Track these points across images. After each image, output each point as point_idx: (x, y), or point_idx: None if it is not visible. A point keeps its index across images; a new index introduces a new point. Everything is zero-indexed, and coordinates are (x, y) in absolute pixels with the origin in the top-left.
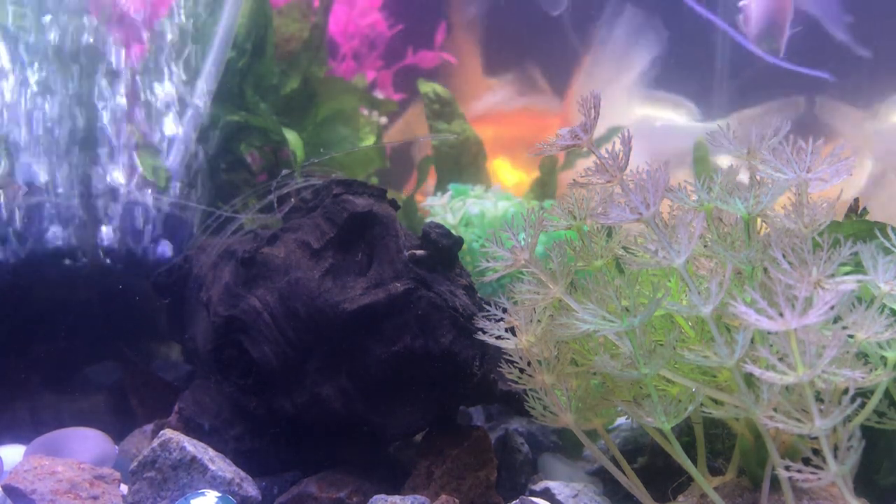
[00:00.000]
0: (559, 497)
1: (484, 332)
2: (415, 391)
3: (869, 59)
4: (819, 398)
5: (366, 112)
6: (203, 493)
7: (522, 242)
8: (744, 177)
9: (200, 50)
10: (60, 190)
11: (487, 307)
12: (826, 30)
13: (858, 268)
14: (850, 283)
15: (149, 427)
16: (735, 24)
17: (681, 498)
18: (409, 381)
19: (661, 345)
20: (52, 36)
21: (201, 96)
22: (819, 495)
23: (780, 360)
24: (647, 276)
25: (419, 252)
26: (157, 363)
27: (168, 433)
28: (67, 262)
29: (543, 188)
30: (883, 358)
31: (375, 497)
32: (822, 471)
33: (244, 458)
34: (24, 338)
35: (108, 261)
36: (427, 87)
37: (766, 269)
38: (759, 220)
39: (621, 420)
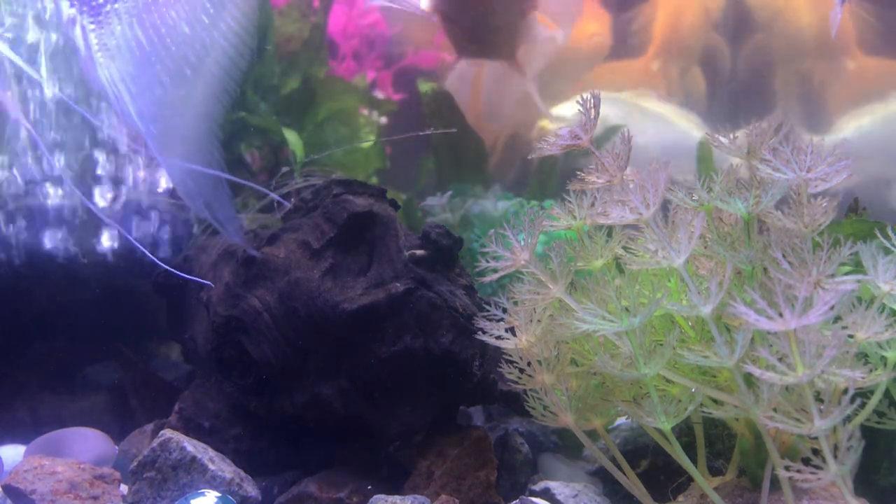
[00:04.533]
0: (559, 497)
1: (484, 332)
2: (415, 391)
3: None
4: (819, 398)
5: (366, 112)
6: (203, 493)
7: (522, 242)
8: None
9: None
10: (60, 189)
11: (487, 307)
12: None
13: (858, 268)
14: (850, 283)
15: (149, 427)
16: None
17: (681, 498)
18: (409, 381)
19: (661, 345)
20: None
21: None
22: (819, 495)
23: (780, 360)
24: (647, 276)
25: (419, 252)
26: (157, 363)
27: (168, 433)
28: (67, 262)
29: (543, 188)
30: (883, 358)
31: (375, 497)
32: (822, 471)
33: (244, 458)
34: (24, 338)
35: (107, 260)
36: (426, 86)
37: (766, 269)
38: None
39: (621, 420)
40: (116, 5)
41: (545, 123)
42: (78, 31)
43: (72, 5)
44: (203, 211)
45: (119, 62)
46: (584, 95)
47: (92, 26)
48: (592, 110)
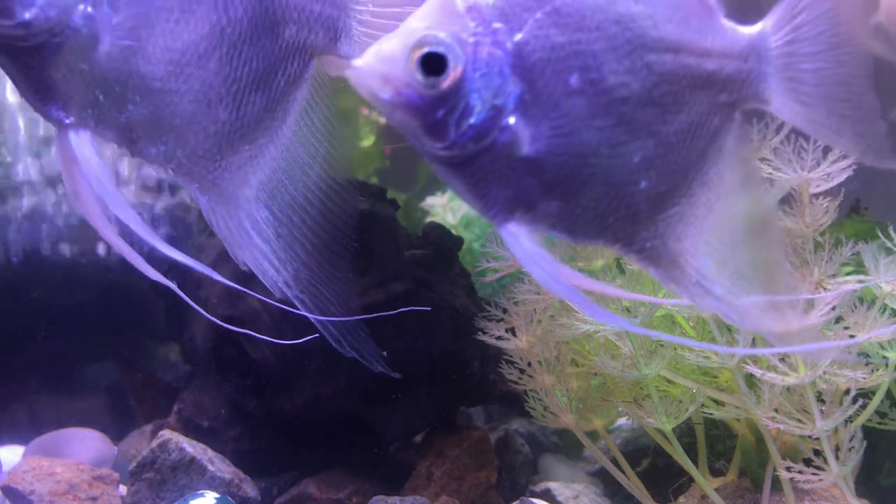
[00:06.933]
0: (559, 498)
1: (484, 333)
2: (415, 392)
3: None
4: (820, 399)
5: (366, 111)
6: (202, 494)
7: None
8: None
9: None
10: (60, 190)
11: (487, 307)
12: None
13: (860, 268)
14: (851, 283)
15: (148, 427)
16: None
17: (681, 499)
18: (408, 382)
19: (662, 345)
20: None
21: None
22: (820, 496)
23: (782, 360)
24: (648, 276)
25: (419, 252)
26: (156, 364)
27: (167, 434)
28: (67, 262)
29: None
30: (884, 358)
31: (375, 498)
32: (824, 472)
33: (243, 459)
34: (23, 338)
35: (107, 261)
36: None
37: None
38: None
39: (622, 421)
40: (245, 191)
41: None
42: (218, 220)
43: (207, 201)
44: (350, 352)
45: (259, 242)
46: None
47: (225, 213)
48: None
